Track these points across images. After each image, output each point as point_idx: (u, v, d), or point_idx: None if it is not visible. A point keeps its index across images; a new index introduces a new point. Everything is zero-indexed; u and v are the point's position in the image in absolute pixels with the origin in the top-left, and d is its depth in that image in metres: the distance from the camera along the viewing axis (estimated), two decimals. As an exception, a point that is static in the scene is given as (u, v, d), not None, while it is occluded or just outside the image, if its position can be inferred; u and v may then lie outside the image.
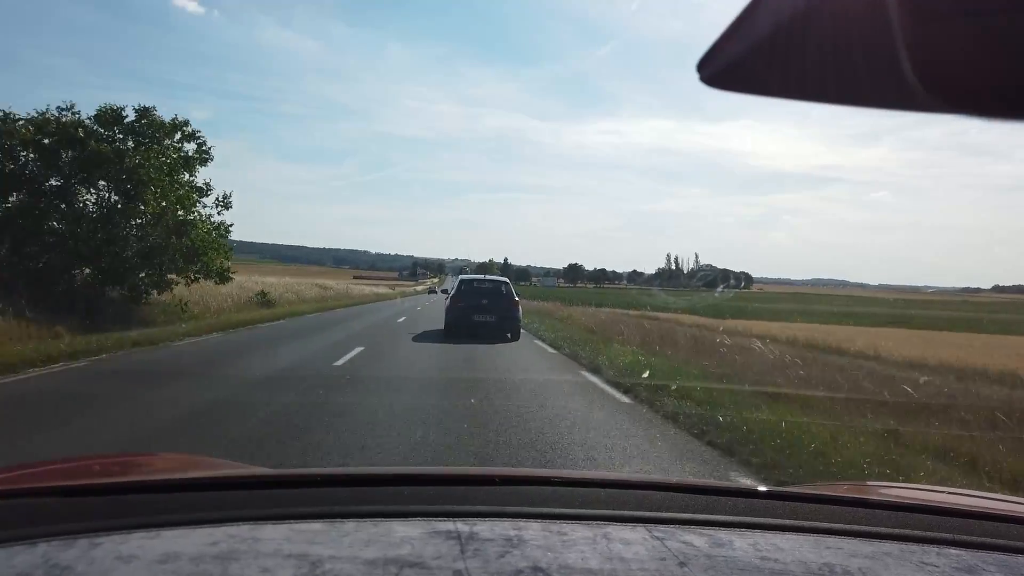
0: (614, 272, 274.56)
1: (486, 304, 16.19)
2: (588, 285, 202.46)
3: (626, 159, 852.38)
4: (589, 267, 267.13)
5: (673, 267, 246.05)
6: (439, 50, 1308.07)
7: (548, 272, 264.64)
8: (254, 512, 0.95)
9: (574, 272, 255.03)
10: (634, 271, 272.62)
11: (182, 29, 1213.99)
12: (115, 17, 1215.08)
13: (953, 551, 0.95)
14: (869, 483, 2.49)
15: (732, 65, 0.46)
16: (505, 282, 17.64)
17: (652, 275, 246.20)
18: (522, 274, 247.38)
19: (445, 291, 24.24)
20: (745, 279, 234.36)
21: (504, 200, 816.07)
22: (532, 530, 0.93)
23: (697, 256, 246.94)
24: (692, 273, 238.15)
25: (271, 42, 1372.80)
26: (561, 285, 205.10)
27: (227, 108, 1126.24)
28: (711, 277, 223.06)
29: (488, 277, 19.49)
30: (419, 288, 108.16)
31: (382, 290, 74.53)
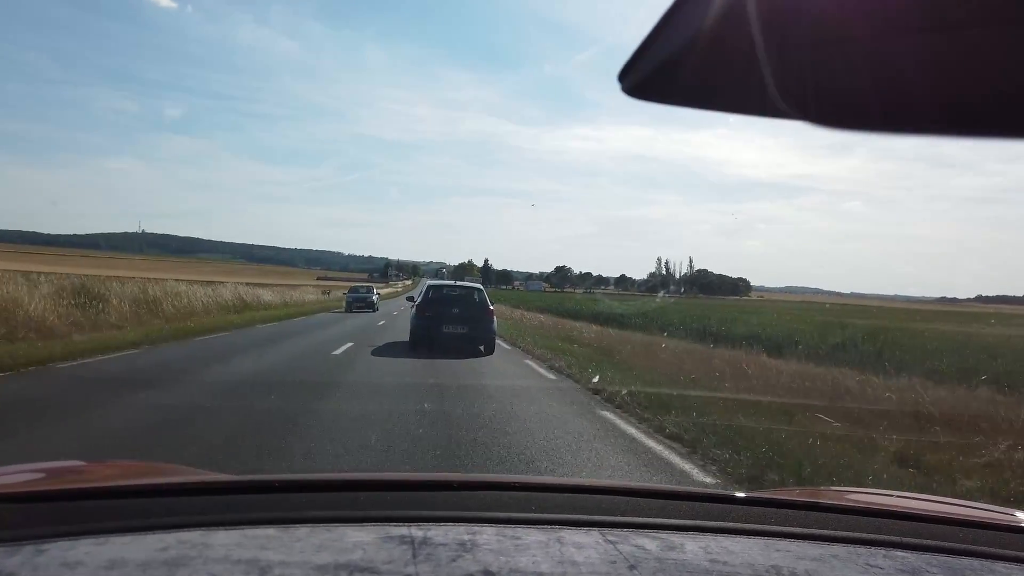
0: (600, 276, 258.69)
1: (457, 313, 14.32)
2: (576, 291, 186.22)
3: (604, 165, 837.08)
4: (572, 271, 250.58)
5: (664, 272, 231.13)
6: (418, 53, 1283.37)
7: (531, 276, 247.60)
8: (206, 518, 0.94)
9: (561, 276, 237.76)
10: (623, 275, 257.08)
11: (154, 25, 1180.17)
12: (84, 11, 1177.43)
13: (899, 553, 0.97)
14: (823, 488, 2.48)
15: (651, 76, 0.48)
16: (478, 288, 15.91)
17: (643, 280, 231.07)
18: (503, 277, 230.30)
19: (411, 299, 17.84)
20: (744, 286, 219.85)
21: (483, 204, 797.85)
22: (486, 535, 0.93)
23: (691, 261, 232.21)
24: (686, 279, 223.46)
25: (247, 40, 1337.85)
26: (547, 290, 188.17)
27: (201, 107, 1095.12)
28: (711, 284, 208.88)
29: (459, 283, 17.33)
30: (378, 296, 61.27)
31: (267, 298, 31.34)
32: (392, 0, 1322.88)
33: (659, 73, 0.48)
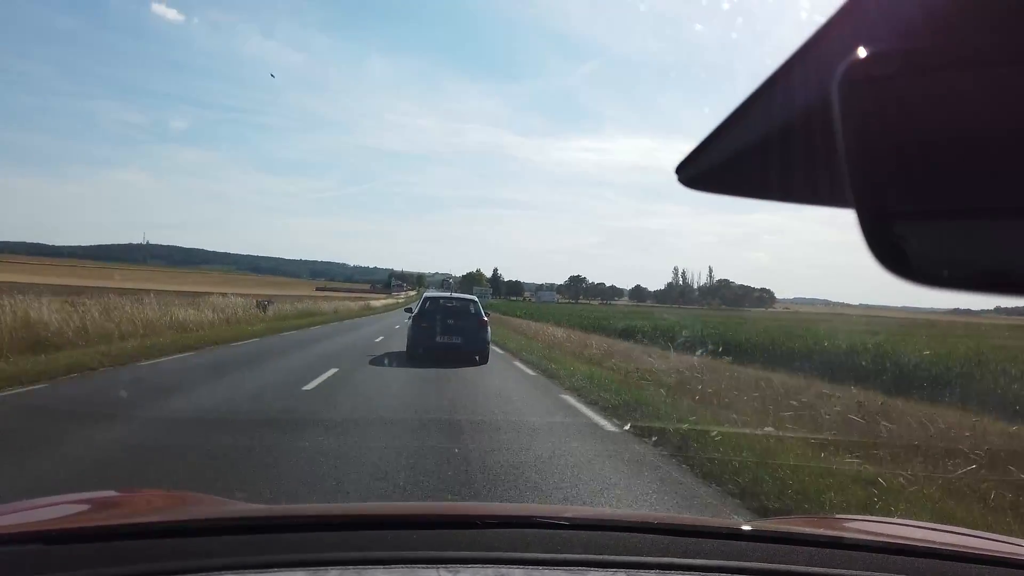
0: (613, 287, 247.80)
1: (452, 324, 14.74)
2: (593, 302, 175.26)
3: (608, 177, 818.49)
4: (587, 281, 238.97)
5: (681, 282, 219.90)
6: (421, 64, 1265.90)
7: (542, 286, 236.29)
8: (239, 560, 0.93)
9: (576, 286, 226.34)
10: (637, 286, 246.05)
11: (161, 37, 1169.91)
12: (89, 23, 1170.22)
13: None
14: (844, 517, 2.40)
15: (706, 172, 0.54)
16: (473, 300, 16.07)
17: (660, 291, 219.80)
18: (513, 288, 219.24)
19: (409, 310, 18.08)
20: (768, 297, 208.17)
21: (487, 216, 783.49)
22: None
23: (711, 270, 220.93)
24: (706, 289, 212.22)
25: (253, 53, 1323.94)
26: (561, 301, 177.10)
27: (207, 118, 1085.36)
28: (736, 294, 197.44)
29: (455, 295, 17.86)
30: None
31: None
32: (397, 12, 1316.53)
33: (722, 167, 0.52)
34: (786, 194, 0.52)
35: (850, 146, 0.40)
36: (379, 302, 77.65)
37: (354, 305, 56.60)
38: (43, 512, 1.26)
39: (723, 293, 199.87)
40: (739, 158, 0.50)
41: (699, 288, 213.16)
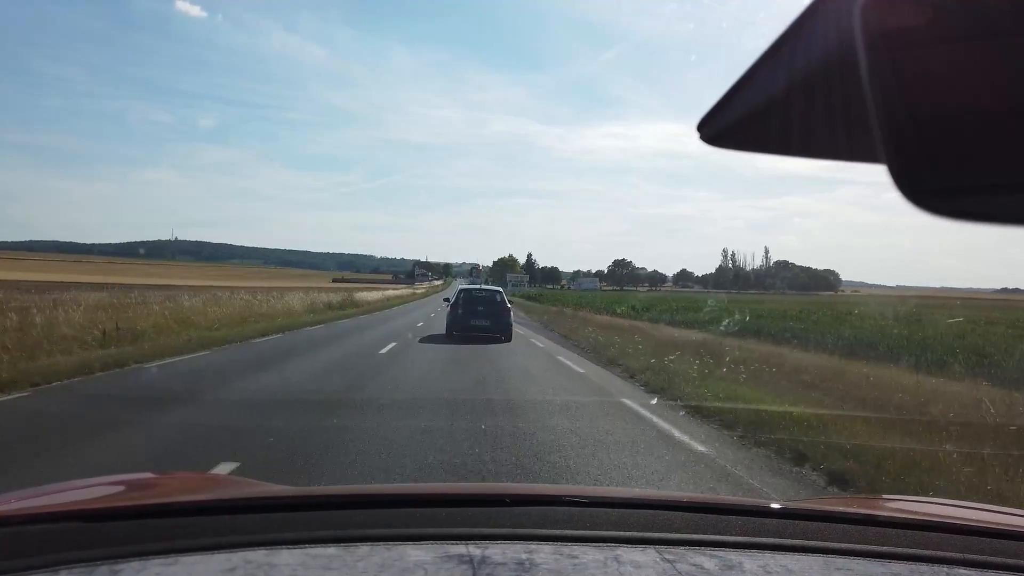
0: (656, 272, 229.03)
1: (482, 311, 18.50)
2: (639, 289, 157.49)
3: (634, 163, 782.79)
4: (633, 265, 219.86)
5: (732, 265, 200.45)
6: (443, 55, 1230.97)
7: (578, 272, 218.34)
8: (270, 536, 0.95)
9: (619, 272, 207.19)
10: (683, 270, 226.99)
11: (185, 35, 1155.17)
12: (116, 24, 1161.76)
13: (962, 571, 0.95)
14: (881, 496, 2.33)
15: (728, 128, 0.52)
16: (499, 291, 20.11)
17: (712, 275, 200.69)
18: (549, 275, 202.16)
19: (447, 300, 22.23)
20: (834, 280, 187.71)
21: (513, 205, 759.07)
22: (543, 553, 0.92)
23: (767, 251, 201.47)
24: (761, 272, 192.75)
25: (276, 48, 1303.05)
26: (605, 288, 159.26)
27: (234, 116, 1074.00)
28: (798, 279, 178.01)
29: (484, 287, 22.73)
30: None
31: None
32: (417, 2, 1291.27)
33: (743, 124, 0.51)
34: (813, 149, 0.51)
35: (879, 96, 0.38)
36: (380, 294, 59.75)
37: (297, 305, 28.23)
38: (81, 492, 1.29)
39: (782, 276, 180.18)
40: (762, 112, 0.49)
41: (753, 271, 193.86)
